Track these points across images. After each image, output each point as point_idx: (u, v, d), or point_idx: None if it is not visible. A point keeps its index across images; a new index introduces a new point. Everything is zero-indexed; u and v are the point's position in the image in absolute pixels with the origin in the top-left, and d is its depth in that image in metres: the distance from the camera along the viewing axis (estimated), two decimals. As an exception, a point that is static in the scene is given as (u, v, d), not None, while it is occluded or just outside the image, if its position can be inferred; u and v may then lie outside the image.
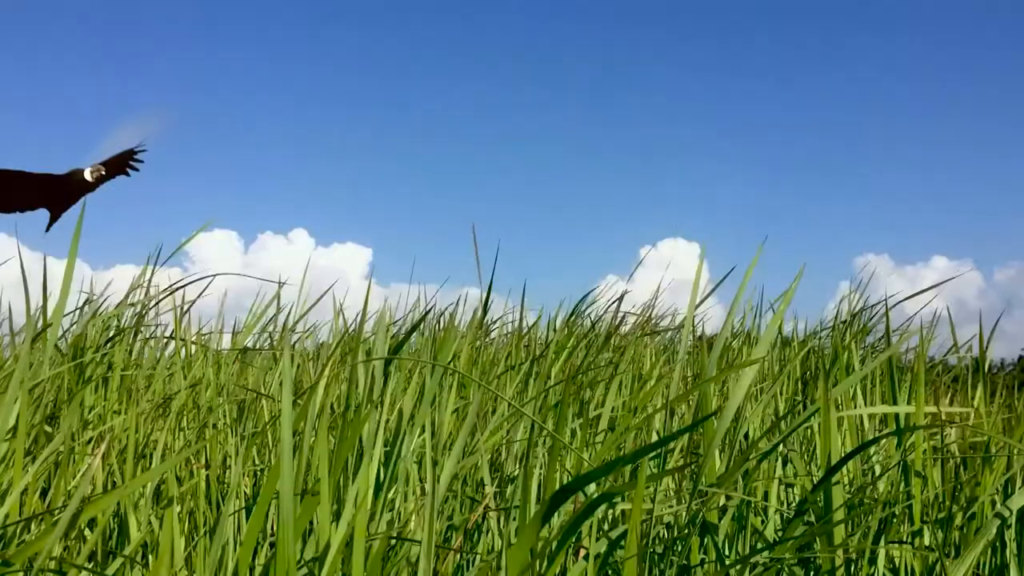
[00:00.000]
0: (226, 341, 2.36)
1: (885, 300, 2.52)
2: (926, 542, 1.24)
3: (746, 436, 1.57)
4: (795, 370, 2.38)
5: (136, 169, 2.96)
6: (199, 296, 2.10)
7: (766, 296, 3.09)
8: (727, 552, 1.23)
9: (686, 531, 1.16)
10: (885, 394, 1.88)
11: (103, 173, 2.80)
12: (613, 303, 3.00)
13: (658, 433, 1.62)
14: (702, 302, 2.67)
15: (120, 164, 2.91)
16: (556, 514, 1.19)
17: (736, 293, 1.31)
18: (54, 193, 2.82)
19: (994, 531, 1.15)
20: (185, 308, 2.02)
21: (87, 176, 2.78)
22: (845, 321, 2.83)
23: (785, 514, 1.41)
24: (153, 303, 1.98)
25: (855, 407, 1.78)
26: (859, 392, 1.83)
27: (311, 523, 1.13)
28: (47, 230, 2.91)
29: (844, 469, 1.29)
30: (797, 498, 1.49)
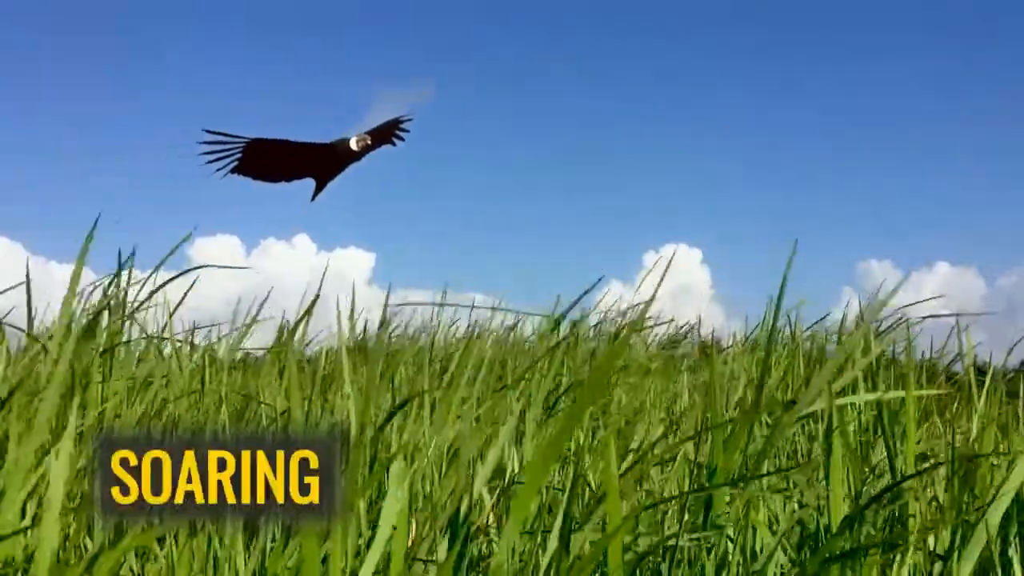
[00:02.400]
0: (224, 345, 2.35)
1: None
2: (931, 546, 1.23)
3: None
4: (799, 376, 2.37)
5: (401, 139, 2.94)
6: (185, 294, 2.08)
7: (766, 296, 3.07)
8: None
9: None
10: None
11: (368, 143, 2.78)
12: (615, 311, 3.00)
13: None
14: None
15: (385, 134, 2.89)
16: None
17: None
18: (320, 163, 2.81)
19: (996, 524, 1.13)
20: (172, 309, 2.00)
21: (353, 145, 2.76)
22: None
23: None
24: (138, 304, 1.96)
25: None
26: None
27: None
28: (312, 199, 2.90)
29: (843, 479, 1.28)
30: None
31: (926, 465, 1.44)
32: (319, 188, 2.89)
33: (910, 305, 2.69)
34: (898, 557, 1.13)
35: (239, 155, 2.68)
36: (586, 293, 2.43)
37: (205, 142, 2.65)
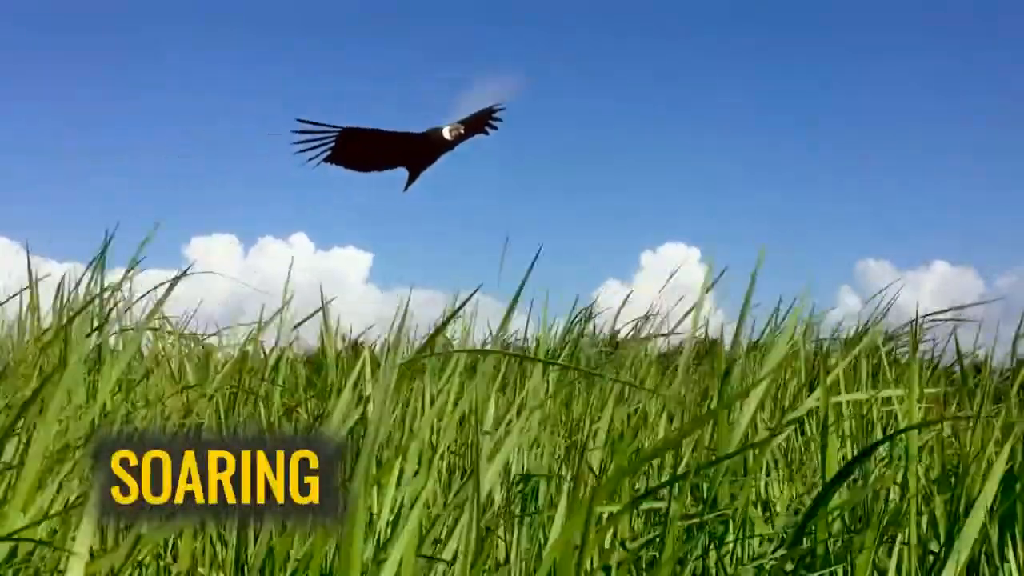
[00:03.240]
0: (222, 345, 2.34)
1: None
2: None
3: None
4: (801, 378, 2.37)
5: (495, 127, 2.91)
6: (170, 290, 2.08)
7: (770, 302, 3.07)
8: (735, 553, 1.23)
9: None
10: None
11: (461, 132, 2.76)
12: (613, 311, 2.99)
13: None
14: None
15: (478, 123, 2.86)
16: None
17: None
18: (413, 152, 2.80)
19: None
20: (161, 301, 2.00)
21: (446, 135, 2.74)
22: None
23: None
24: (130, 301, 1.96)
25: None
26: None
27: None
28: (405, 189, 2.89)
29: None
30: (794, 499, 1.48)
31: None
32: (412, 178, 2.87)
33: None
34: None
35: (331, 144, 2.67)
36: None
37: (298, 131, 2.64)
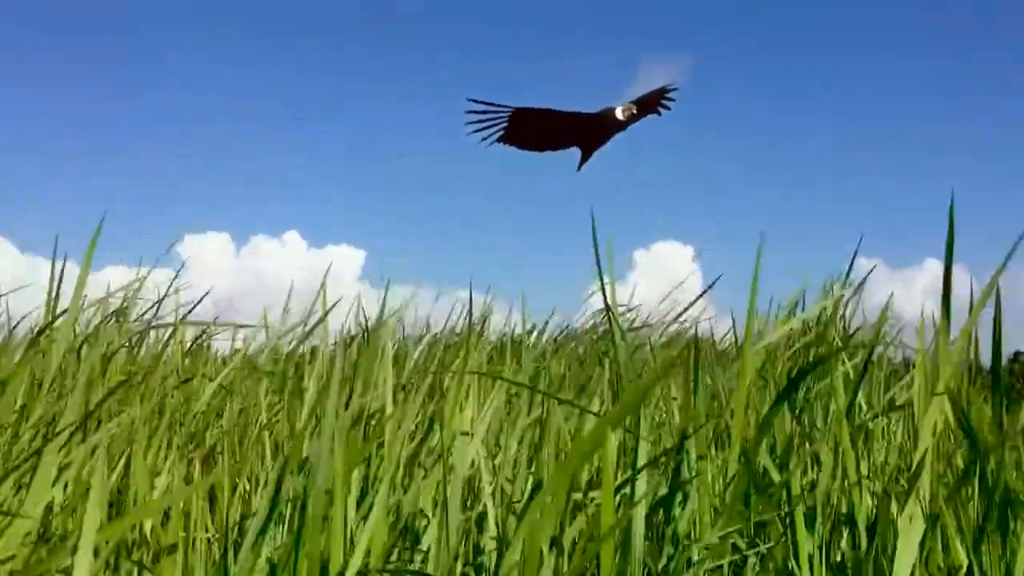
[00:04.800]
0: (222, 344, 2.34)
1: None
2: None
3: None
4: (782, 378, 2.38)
5: (668, 108, 2.88)
6: (197, 303, 2.08)
7: (761, 300, 3.08)
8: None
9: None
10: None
11: (634, 112, 2.74)
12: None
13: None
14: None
15: (651, 103, 2.84)
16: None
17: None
18: (586, 132, 2.78)
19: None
20: (183, 315, 2.00)
21: (618, 115, 2.73)
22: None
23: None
24: (152, 307, 1.96)
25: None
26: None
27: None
28: (579, 169, 2.86)
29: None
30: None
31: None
32: (585, 158, 2.85)
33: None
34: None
35: (504, 125, 2.66)
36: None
37: (471, 111, 2.63)
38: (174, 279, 2.04)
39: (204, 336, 2.31)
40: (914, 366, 1.25)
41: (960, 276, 1.20)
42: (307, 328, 2.06)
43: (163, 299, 2.05)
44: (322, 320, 1.78)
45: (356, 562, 0.94)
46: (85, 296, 1.91)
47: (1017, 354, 5.04)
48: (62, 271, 1.68)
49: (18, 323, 2.02)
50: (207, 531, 1.12)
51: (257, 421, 1.71)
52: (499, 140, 2.68)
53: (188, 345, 2.20)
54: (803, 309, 2.08)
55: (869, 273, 1.86)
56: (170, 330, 2.06)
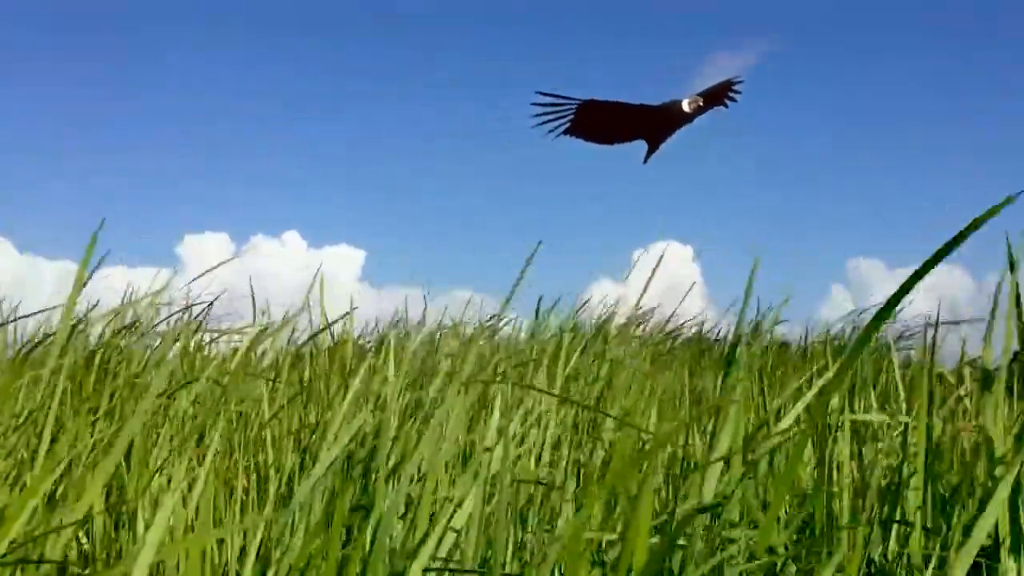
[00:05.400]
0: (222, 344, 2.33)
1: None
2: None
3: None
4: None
5: (734, 100, 2.87)
6: (209, 306, 2.08)
7: (761, 299, 3.09)
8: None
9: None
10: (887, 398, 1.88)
11: (700, 104, 2.74)
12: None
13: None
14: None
15: (718, 95, 2.83)
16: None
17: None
18: (652, 124, 2.77)
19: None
20: (196, 317, 2.00)
21: (685, 107, 2.72)
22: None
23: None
24: (160, 309, 1.96)
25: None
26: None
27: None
28: (645, 161, 2.86)
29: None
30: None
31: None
32: (651, 150, 2.85)
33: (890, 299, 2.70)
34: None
35: (571, 117, 2.64)
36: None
37: (537, 104, 2.62)
38: (170, 280, 2.03)
39: (202, 337, 2.31)
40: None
41: (958, 276, 1.20)
42: (313, 332, 2.06)
43: (161, 302, 2.05)
44: (330, 327, 1.78)
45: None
46: (97, 303, 1.91)
47: (1017, 354, 5.03)
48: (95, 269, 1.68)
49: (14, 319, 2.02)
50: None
51: (258, 420, 1.71)
52: (566, 132, 2.68)
53: (189, 345, 2.20)
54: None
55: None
56: (171, 331, 2.05)
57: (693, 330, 3.55)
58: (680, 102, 2.73)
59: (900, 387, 1.76)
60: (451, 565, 1.02)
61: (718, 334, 3.62)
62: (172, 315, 2.03)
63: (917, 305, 2.92)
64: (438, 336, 2.72)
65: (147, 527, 1.25)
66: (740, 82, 2.86)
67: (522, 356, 2.36)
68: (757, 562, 1.09)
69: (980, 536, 0.99)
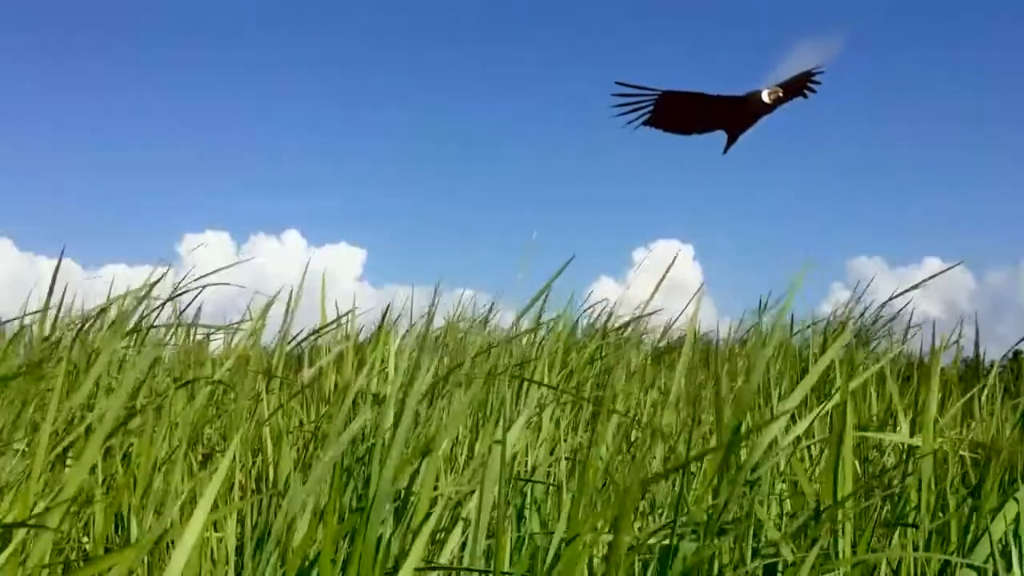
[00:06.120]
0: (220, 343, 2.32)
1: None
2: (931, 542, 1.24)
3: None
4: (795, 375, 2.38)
5: (813, 91, 2.84)
6: (193, 302, 2.07)
7: (760, 299, 3.08)
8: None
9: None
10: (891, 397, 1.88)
11: (780, 95, 2.71)
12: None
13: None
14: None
15: (797, 86, 2.81)
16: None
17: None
18: (732, 115, 2.76)
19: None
20: (186, 316, 2.00)
21: (765, 98, 2.70)
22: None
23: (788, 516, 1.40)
24: (157, 306, 1.96)
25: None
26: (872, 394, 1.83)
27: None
28: (724, 152, 2.85)
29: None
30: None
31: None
32: (731, 141, 2.83)
33: (893, 297, 2.70)
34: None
35: (651, 107, 2.65)
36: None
37: (617, 95, 2.61)
38: (164, 275, 2.02)
39: (202, 335, 2.30)
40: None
41: (959, 274, 1.20)
42: (317, 331, 2.06)
43: (163, 300, 2.04)
44: (331, 324, 1.78)
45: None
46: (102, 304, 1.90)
47: (1017, 354, 5.03)
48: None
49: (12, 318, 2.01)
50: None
51: (256, 418, 1.71)
52: (645, 123, 2.67)
53: (188, 343, 2.20)
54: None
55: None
56: (170, 331, 2.05)
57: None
58: (760, 93, 2.70)
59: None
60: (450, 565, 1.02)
61: (718, 334, 3.62)
62: (153, 310, 2.02)
63: (917, 304, 2.92)
64: (440, 333, 2.72)
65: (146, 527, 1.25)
66: (820, 72, 2.84)
67: (522, 354, 2.35)
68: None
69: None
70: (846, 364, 2.04)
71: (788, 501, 1.40)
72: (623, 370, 2.31)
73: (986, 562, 1.18)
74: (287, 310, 2.07)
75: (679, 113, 2.68)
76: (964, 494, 1.28)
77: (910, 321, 2.88)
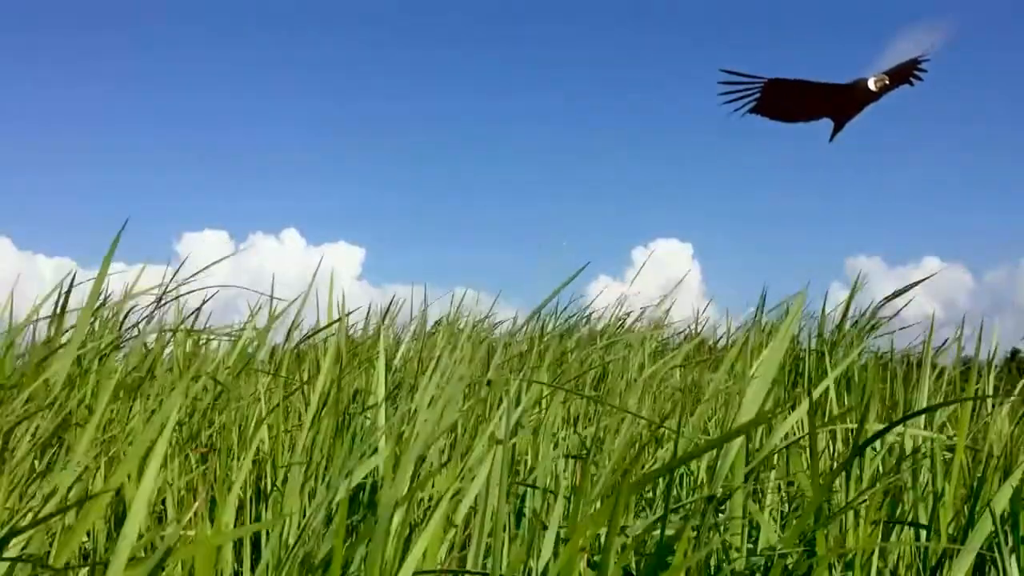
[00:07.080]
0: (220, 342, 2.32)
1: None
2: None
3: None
4: (786, 375, 2.38)
5: (920, 79, 2.82)
6: (204, 302, 2.07)
7: (756, 299, 3.08)
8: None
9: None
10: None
11: (887, 83, 2.70)
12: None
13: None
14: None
15: (904, 74, 2.78)
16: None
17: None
18: (838, 103, 2.77)
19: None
20: (188, 316, 2.00)
21: (871, 86, 2.69)
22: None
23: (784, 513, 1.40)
24: (155, 306, 1.96)
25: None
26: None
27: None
28: (831, 140, 2.85)
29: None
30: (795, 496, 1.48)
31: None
32: (837, 129, 2.84)
33: (893, 296, 2.70)
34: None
35: (757, 95, 2.66)
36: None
37: (723, 82, 2.63)
38: (170, 276, 2.03)
39: (201, 334, 2.30)
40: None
41: (958, 274, 1.20)
42: (316, 329, 2.05)
43: (161, 298, 2.04)
44: (331, 324, 1.77)
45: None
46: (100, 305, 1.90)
47: (1016, 352, 5.03)
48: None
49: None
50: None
51: (255, 417, 1.71)
52: (752, 111, 2.68)
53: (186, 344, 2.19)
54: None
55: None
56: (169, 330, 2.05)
57: (691, 327, 3.55)
58: (866, 80, 2.69)
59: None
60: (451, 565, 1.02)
61: (717, 332, 3.62)
62: (147, 307, 2.01)
63: (917, 304, 2.92)
64: (437, 331, 2.72)
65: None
66: (927, 60, 2.83)
67: (520, 351, 2.35)
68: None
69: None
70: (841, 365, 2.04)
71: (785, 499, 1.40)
72: (623, 370, 2.31)
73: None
74: (296, 312, 2.07)
75: (784, 101, 2.68)
76: (964, 494, 1.28)
77: (895, 317, 2.89)
